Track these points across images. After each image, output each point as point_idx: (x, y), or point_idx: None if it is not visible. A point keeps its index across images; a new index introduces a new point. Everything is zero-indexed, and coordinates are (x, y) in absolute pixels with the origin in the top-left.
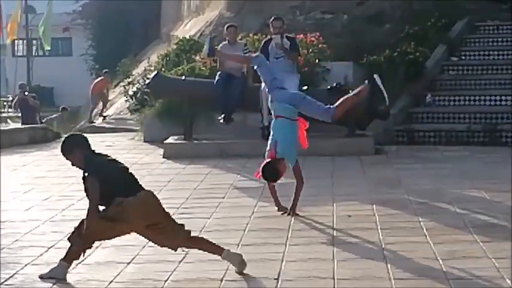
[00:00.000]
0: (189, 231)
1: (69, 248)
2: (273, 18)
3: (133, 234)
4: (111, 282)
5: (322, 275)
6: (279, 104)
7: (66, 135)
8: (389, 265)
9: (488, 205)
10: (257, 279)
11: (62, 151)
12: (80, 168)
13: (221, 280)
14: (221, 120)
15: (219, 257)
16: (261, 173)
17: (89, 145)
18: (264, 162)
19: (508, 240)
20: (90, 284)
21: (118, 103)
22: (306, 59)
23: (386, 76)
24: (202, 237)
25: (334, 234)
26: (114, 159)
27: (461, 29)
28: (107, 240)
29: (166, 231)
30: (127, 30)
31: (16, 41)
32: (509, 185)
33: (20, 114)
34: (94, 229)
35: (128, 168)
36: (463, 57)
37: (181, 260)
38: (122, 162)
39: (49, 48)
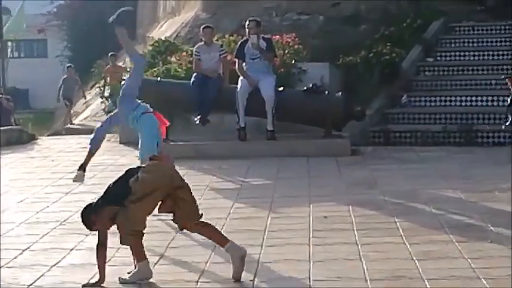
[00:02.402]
0: (202, 215)
1: (131, 249)
2: (248, 19)
3: (109, 237)
4: (86, 284)
5: (298, 276)
6: None
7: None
8: (365, 266)
9: (464, 205)
10: (233, 280)
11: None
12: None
13: (197, 282)
14: (197, 122)
15: (194, 259)
16: None
17: None
18: None
19: (483, 241)
20: (65, 286)
21: (94, 104)
22: (282, 60)
23: (362, 77)
24: (212, 225)
25: (311, 235)
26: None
27: (437, 30)
28: (82, 243)
29: (187, 205)
30: (103, 31)
31: None
32: (484, 185)
33: None
34: (134, 215)
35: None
36: (439, 58)
37: (157, 262)
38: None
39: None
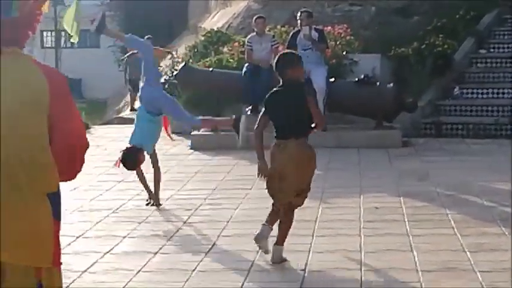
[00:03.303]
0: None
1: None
2: (300, 10)
3: (162, 225)
4: (138, 271)
5: (349, 266)
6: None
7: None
8: (417, 257)
9: (510, 196)
10: (284, 269)
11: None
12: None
13: (248, 271)
14: (249, 112)
15: (246, 248)
16: (120, 161)
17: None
18: (124, 151)
19: None
20: (118, 273)
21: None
22: (333, 51)
23: (414, 68)
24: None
25: (362, 225)
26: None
27: (490, 22)
28: (135, 231)
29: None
30: (155, 22)
31: (45, 33)
32: None
33: None
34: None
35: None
36: (492, 50)
37: (209, 250)
38: None
39: (75, 41)
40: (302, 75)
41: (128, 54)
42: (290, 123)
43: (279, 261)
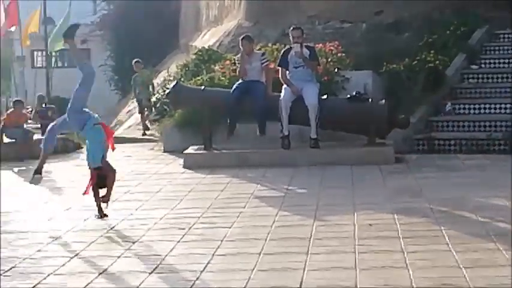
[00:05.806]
0: None
1: None
2: (292, 27)
3: (156, 244)
4: None
5: (344, 283)
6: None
7: None
8: (412, 274)
9: (510, 213)
10: None
11: None
12: None
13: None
14: (258, 133)
15: (240, 267)
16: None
17: None
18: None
19: None
20: None
21: (137, 113)
22: (325, 68)
23: (405, 85)
24: None
25: (356, 243)
26: None
27: (481, 37)
28: (129, 251)
29: None
30: (146, 41)
31: (35, 52)
32: None
33: (39, 126)
34: None
35: None
36: (483, 65)
37: (203, 269)
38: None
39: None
40: None
41: (135, 76)
42: None
43: None
